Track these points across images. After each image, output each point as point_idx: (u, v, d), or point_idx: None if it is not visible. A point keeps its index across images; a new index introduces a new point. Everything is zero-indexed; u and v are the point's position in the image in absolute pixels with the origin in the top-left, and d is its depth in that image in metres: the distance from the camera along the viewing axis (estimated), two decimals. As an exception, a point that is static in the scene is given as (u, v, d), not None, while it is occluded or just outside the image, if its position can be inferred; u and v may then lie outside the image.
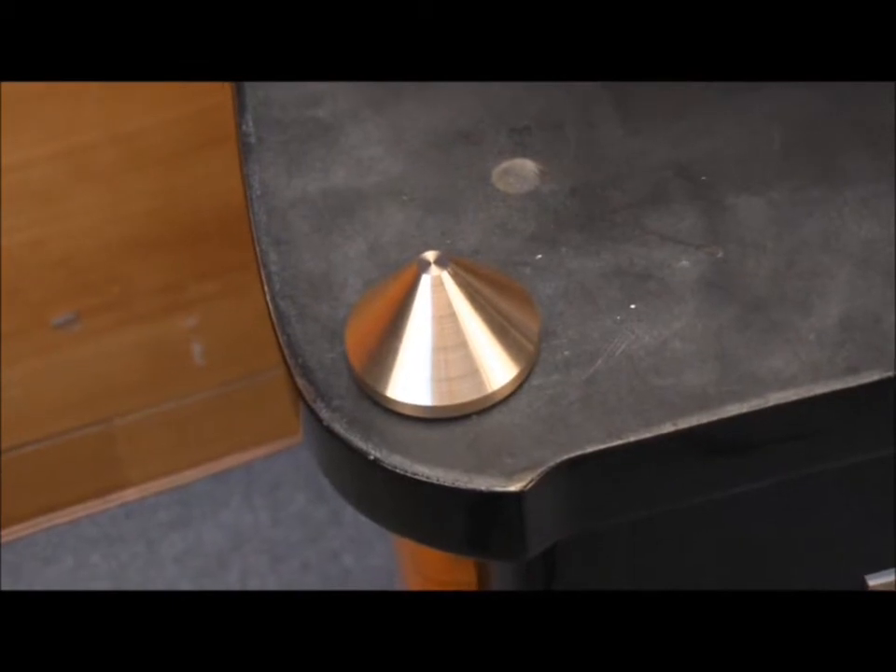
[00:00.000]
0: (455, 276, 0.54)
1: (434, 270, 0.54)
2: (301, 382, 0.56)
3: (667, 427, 0.53)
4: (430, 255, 0.54)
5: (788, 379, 0.54)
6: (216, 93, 1.03)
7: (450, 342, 0.54)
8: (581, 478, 0.54)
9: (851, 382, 0.54)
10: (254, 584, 1.26)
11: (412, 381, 0.54)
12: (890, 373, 0.53)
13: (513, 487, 0.53)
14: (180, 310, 1.26)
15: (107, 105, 1.12)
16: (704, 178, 0.60)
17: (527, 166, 0.62)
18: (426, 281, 0.54)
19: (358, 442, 0.54)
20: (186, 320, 1.27)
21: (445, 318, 0.54)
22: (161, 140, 1.16)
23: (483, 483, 0.53)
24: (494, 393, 0.54)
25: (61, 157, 1.13)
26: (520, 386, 0.55)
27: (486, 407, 0.54)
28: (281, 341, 0.57)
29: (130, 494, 1.36)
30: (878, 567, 0.64)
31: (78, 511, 1.35)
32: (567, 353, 0.56)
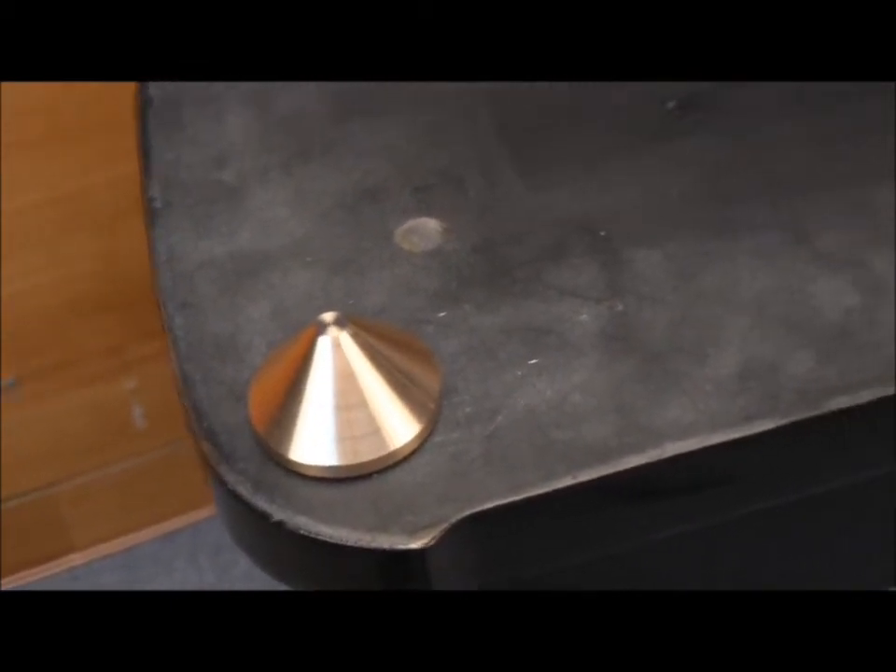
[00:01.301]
0: (354, 336, 0.55)
1: (333, 331, 0.54)
2: (205, 445, 0.56)
3: (567, 481, 0.53)
4: (329, 316, 0.55)
5: (685, 429, 0.54)
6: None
7: (351, 401, 0.54)
8: (484, 533, 0.54)
9: (747, 430, 0.54)
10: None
11: (314, 442, 0.55)
12: (785, 421, 0.54)
13: (416, 545, 0.53)
14: (121, 372, 1.26)
15: (46, 165, 1.13)
16: (603, 233, 0.61)
17: (430, 225, 0.62)
18: (324, 342, 0.54)
19: (263, 505, 0.54)
20: (126, 382, 1.26)
21: (345, 378, 0.54)
22: (100, 201, 1.17)
23: (385, 542, 0.53)
24: (396, 451, 0.55)
25: (-2, 219, 1.14)
26: (422, 444, 0.55)
27: (389, 465, 0.55)
28: (186, 405, 0.57)
29: (76, 558, 1.35)
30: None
31: (25, 577, 1.34)
32: (468, 409, 0.56)
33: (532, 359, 0.57)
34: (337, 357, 0.54)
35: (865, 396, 0.54)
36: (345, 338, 0.54)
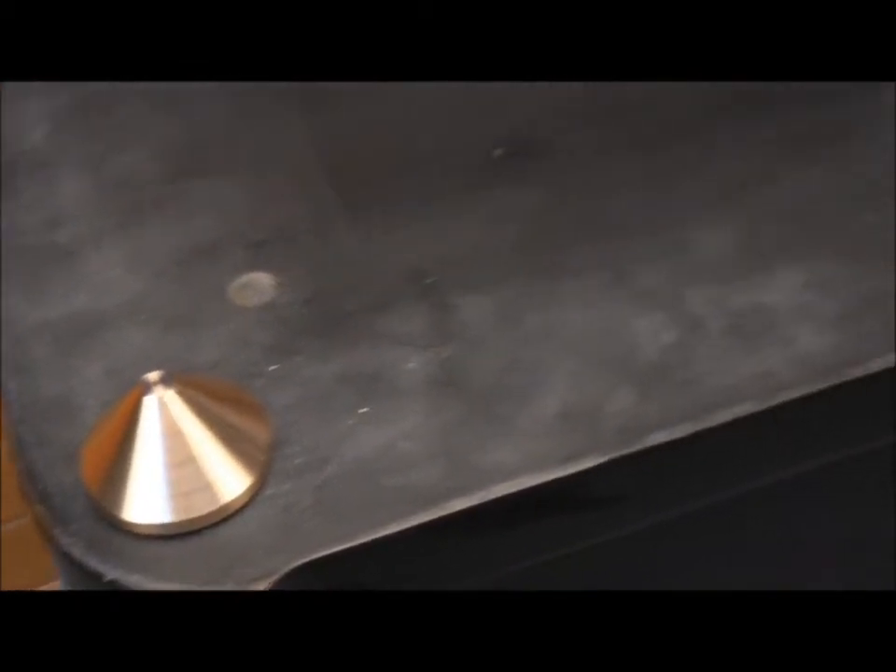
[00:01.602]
0: (180, 394, 0.55)
1: (158, 390, 0.55)
2: (39, 508, 0.56)
3: (394, 527, 0.55)
4: (154, 375, 0.55)
5: (511, 471, 0.56)
6: None
7: (180, 458, 0.55)
8: (317, 582, 0.55)
9: (571, 469, 0.56)
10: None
11: (146, 500, 0.55)
12: (604, 459, 0.55)
13: (247, 597, 0.54)
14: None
15: None
16: (432, 280, 0.62)
17: (264, 279, 0.63)
18: (150, 401, 0.55)
19: (96, 565, 0.54)
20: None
21: (173, 436, 0.55)
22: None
23: (218, 596, 0.54)
24: (227, 505, 0.55)
25: None
26: (254, 497, 0.56)
27: (221, 519, 0.55)
28: (20, 468, 0.58)
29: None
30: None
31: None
32: (300, 460, 0.57)
33: (363, 408, 0.58)
34: (163, 416, 0.55)
35: (683, 430, 0.56)
36: (171, 396, 0.55)
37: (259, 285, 0.63)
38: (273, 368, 0.60)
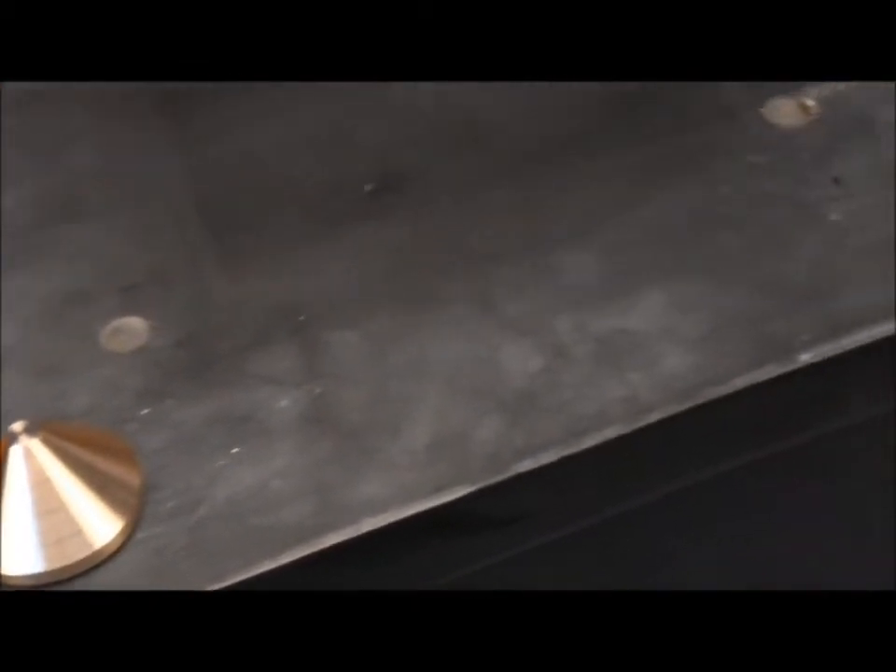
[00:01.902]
0: (46, 442, 0.55)
1: (23, 439, 0.55)
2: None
3: (267, 566, 0.55)
4: (18, 425, 0.55)
5: (381, 504, 0.56)
6: None
7: (50, 506, 0.55)
8: (192, 624, 0.55)
9: (440, 500, 0.56)
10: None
11: (17, 551, 0.55)
12: (473, 489, 0.56)
13: (121, 642, 0.54)
14: None
15: None
16: (303, 317, 0.63)
17: (136, 324, 0.63)
18: (16, 451, 0.55)
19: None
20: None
21: (41, 484, 0.55)
22: None
23: (92, 642, 0.54)
24: (100, 550, 0.56)
25: None
26: (127, 540, 0.56)
27: (95, 565, 0.55)
28: None
29: None
30: None
31: None
32: (172, 503, 0.57)
33: (234, 448, 0.58)
34: (30, 465, 0.55)
35: (550, 456, 0.57)
36: (37, 445, 0.55)
37: (131, 329, 0.63)
38: (144, 412, 0.60)
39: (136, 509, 0.56)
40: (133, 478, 0.57)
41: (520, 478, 0.56)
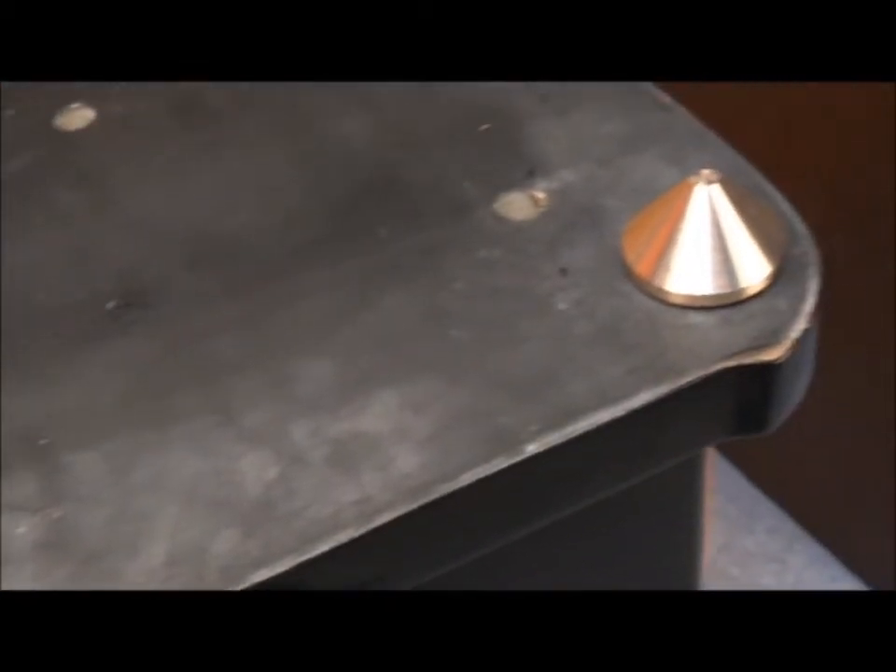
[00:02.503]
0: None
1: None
2: None
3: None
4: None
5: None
6: None
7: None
8: None
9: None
10: None
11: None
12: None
13: None
14: None
15: None
16: (46, 441, 0.63)
17: None
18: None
19: None
20: None
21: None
22: None
23: None
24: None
25: None
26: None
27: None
28: None
29: None
30: None
31: None
32: None
33: (-27, 581, 0.59)
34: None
35: (284, 564, 0.58)
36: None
37: None
38: None
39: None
40: None
41: (257, 587, 0.57)
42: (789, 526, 1.81)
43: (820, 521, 1.77)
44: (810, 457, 1.71)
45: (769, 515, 1.82)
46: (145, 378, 0.65)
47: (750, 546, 1.82)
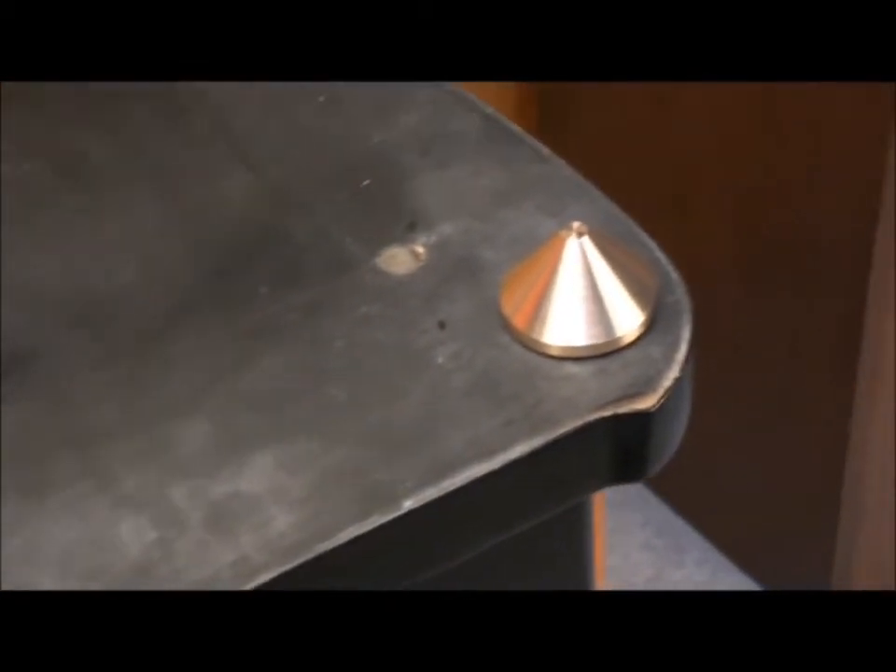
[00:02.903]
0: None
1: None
2: None
3: None
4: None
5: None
6: None
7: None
8: None
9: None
10: None
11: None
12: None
13: None
14: None
15: None
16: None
17: None
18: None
19: None
20: None
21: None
22: None
23: None
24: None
25: None
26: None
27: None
28: None
29: None
30: None
31: None
32: None
33: None
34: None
35: (160, 630, 0.58)
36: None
37: None
38: None
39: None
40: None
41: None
42: (715, 557, 1.82)
43: (746, 552, 1.78)
44: (736, 490, 1.72)
45: (696, 548, 1.84)
46: (20, 448, 0.65)
47: (678, 578, 1.83)
